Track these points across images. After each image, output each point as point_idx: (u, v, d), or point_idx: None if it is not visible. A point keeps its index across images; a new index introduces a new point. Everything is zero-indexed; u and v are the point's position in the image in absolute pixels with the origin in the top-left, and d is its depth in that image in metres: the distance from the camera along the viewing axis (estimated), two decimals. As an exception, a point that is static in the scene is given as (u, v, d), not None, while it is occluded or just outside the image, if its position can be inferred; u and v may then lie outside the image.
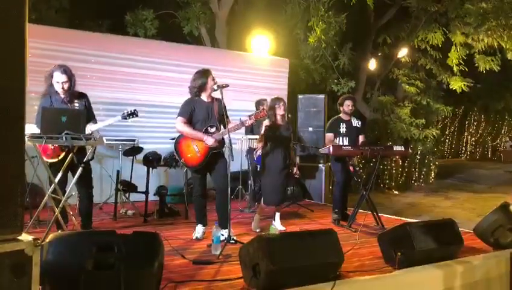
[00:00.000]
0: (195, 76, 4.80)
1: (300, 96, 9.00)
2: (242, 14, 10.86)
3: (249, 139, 6.74)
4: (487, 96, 17.69)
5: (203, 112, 4.76)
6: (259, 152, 5.62)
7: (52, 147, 4.29)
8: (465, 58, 10.80)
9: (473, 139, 22.70)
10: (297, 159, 8.54)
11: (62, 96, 4.43)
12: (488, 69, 10.69)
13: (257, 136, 5.59)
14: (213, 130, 4.75)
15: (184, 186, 6.45)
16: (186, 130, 4.71)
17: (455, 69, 10.89)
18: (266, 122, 5.23)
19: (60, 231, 4.10)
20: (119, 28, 9.63)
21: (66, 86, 4.37)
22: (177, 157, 4.88)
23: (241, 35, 10.37)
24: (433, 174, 14.33)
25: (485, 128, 22.43)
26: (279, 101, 5.40)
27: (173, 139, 4.93)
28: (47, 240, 2.69)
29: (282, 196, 5.37)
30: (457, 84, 11.26)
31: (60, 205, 4.19)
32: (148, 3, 10.16)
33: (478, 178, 15.13)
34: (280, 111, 5.36)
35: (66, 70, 4.35)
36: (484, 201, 10.51)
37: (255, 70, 8.84)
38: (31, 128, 4.16)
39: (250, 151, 6.80)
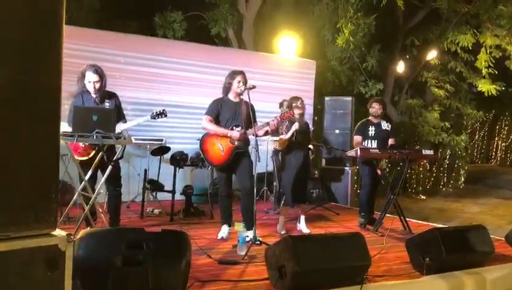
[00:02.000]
0: (226, 76, 4.87)
1: (327, 98, 8.95)
2: (269, 16, 10.86)
3: (275, 140, 6.72)
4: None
5: (229, 111, 4.82)
6: None
7: (83, 145, 4.36)
8: (496, 61, 10.51)
9: (504, 144, 22.12)
10: (323, 162, 8.53)
11: (93, 95, 4.52)
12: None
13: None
14: (238, 129, 4.77)
15: (209, 186, 6.49)
16: (212, 127, 4.78)
17: (484, 71, 10.63)
18: (296, 126, 5.20)
19: (89, 228, 4.18)
20: (148, 30, 9.77)
21: (97, 85, 4.45)
22: (202, 156, 4.94)
23: (268, 36, 10.38)
24: (462, 179, 14.04)
25: (517, 133, 21.84)
26: (297, 100, 5.38)
27: (199, 139, 4.99)
28: (78, 236, 2.74)
29: (299, 196, 5.33)
30: (486, 87, 10.99)
31: (90, 203, 4.27)
32: (177, 4, 10.27)
33: (509, 184, 14.73)
34: (297, 110, 5.33)
35: (97, 70, 4.44)
36: (515, 208, 10.25)
37: (281, 71, 8.84)
38: (63, 126, 4.24)
39: (276, 152, 6.78)
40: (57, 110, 1.83)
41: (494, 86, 10.89)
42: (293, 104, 5.32)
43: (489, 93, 11.02)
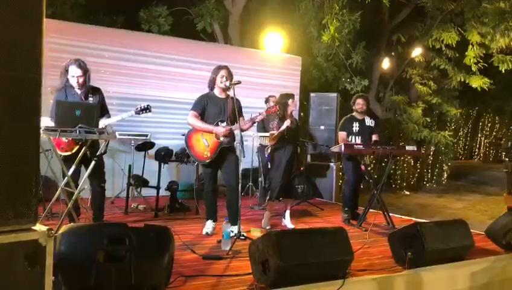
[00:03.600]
0: (211, 71, 4.86)
1: (312, 95, 8.98)
2: (255, 11, 10.85)
3: (260, 136, 6.74)
4: (502, 97, 17.43)
5: (215, 107, 4.81)
6: (270, 150, 5.65)
7: (66, 141, 4.33)
8: (482, 57, 10.61)
9: (487, 140, 22.43)
10: (308, 158, 8.57)
11: (77, 90, 4.48)
12: (506, 69, 10.49)
13: (268, 134, 5.59)
14: (223, 124, 4.77)
15: (194, 182, 6.49)
16: (197, 123, 4.77)
17: (474, 68, 10.70)
18: (288, 123, 5.23)
19: (72, 223, 4.15)
20: (133, 24, 9.68)
21: (81, 80, 4.41)
22: (187, 151, 4.93)
23: (254, 32, 10.38)
24: (445, 175, 14.22)
25: (499, 130, 22.13)
26: (291, 97, 5.43)
27: (184, 135, 4.98)
28: (60, 232, 2.72)
29: (286, 191, 5.38)
30: (476, 82, 11.05)
31: (73, 198, 4.24)
32: (162, -1, 10.21)
33: (491, 180, 14.95)
34: (292, 107, 5.38)
35: (81, 65, 4.39)
36: (497, 203, 10.38)
37: (267, 67, 8.84)
38: (46, 121, 4.19)
39: (261, 148, 6.81)
40: (38, 104, 1.83)
41: (485, 80, 10.94)
42: (288, 101, 5.36)
43: (481, 89, 11.08)
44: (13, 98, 1.74)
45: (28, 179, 1.78)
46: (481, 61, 10.51)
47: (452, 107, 12.72)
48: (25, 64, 1.76)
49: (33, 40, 1.79)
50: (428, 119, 12.21)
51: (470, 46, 10.46)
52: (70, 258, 2.61)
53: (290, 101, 5.39)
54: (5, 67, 1.71)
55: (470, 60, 10.53)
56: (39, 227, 1.83)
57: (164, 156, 6.05)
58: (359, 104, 6.00)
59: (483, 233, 4.86)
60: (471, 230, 4.29)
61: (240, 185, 4.54)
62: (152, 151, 6.42)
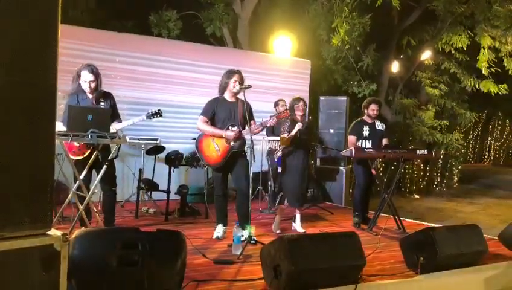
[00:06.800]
0: (222, 75, 4.87)
1: (321, 98, 8.97)
2: (264, 15, 10.86)
3: (270, 140, 6.74)
4: (512, 100, 17.26)
5: (225, 111, 4.81)
6: (279, 153, 5.65)
7: (78, 145, 4.35)
8: (495, 61, 10.51)
9: (497, 144, 22.24)
10: (318, 161, 8.56)
11: (89, 95, 4.51)
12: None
13: (278, 137, 5.58)
14: (234, 129, 4.78)
15: (204, 185, 6.50)
16: (206, 128, 4.78)
17: (485, 72, 10.57)
18: (299, 126, 5.22)
19: (83, 227, 4.17)
20: (143, 29, 9.74)
21: (93, 85, 4.45)
22: (198, 156, 4.94)
23: (263, 36, 10.38)
24: (455, 178, 14.11)
25: (510, 133, 21.94)
26: (298, 101, 5.41)
27: (195, 139, 5.00)
28: (73, 236, 2.74)
29: (302, 196, 5.37)
30: (489, 87, 10.92)
31: (85, 202, 4.26)
32: (172, 3, 10.24)
33: (502, 184, 14.82)
34: (299, 111, 5.35)
35: (93, 70, 4.43)
36: (508, 207, 10.30)
37: (276, 71, 8.84)
38: (58, 126, 4.22)
39: (271, 152, 6.80)
40: (53, 111, 1.84)
41: (503, 86, 10.81)
42: (295, 106, 5.35)
43: (494, 93, 10.95)
44: (29, 104, 1.75)
45: (43, 184, 1.79)
46: (493, 65, 10.41)
47: (466, 110, 12.60)
48: (40, 72, 1.78)
49: (49, 46, 1.80)
50: (443, 122, 12.11)
51: (482, 50, 10.35)
52: (83, 262, 2.62)
53: (295, 105, 5.37)
54: (22, 75, 1.73)
55: (482, 63, 10.41)
56: (54, 232, 1.84)
57: (174, 160, 6.07)
58: (373, 109, 5.95)
59: (496, 238, 4.81)
60: (484, 235, 4.25)
61: (250, 189, 4.54)
62: (162, 155, 6.44)
